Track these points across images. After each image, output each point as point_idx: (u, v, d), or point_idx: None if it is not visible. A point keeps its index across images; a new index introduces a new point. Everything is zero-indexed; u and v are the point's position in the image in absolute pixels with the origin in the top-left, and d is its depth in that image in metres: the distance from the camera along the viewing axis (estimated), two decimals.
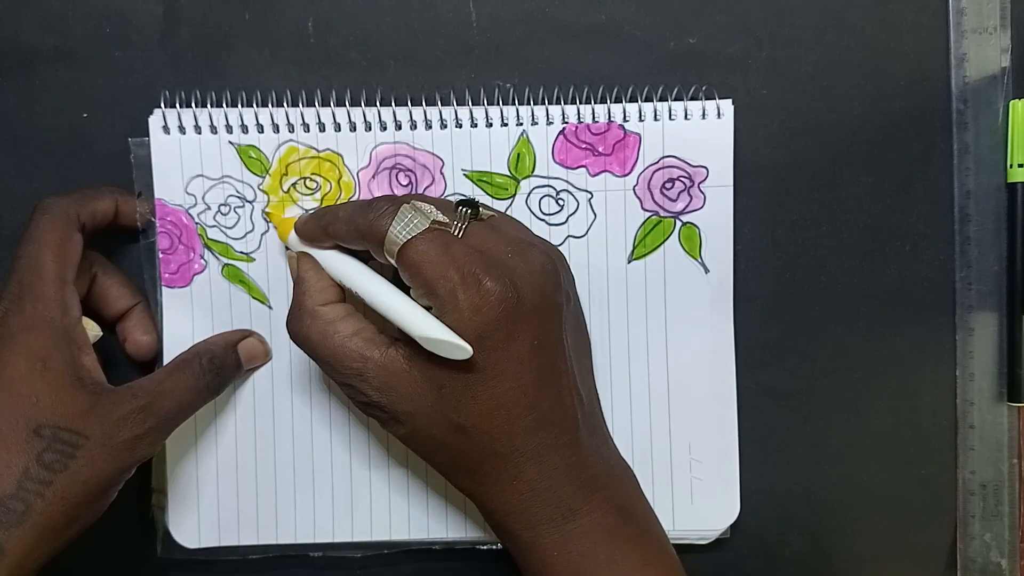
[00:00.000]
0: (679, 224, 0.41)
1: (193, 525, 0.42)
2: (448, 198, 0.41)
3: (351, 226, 0.35)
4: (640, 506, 0.38)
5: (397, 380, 0.34)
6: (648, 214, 0.41)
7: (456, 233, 0.34)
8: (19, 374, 0.34)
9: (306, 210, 0.40)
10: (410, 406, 0.34)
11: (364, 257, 0.37)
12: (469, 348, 0.32)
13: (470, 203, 0.35)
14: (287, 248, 0.39)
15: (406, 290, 0.35)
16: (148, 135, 0.40)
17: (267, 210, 0.41)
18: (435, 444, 0.35)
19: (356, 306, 0.37)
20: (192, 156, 0.40)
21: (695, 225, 0.41)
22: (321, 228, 0.37)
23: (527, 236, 0.37)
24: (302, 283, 0.37)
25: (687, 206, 0.41)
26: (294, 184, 0.41)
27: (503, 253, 0.34)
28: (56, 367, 0.35)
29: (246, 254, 0.41)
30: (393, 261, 0.34)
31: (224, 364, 0.39)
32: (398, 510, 0.42)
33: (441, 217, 0.34)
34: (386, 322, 0.35)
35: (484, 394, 0.34)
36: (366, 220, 0.35)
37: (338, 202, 0.41)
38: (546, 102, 0.41)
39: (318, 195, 0.41)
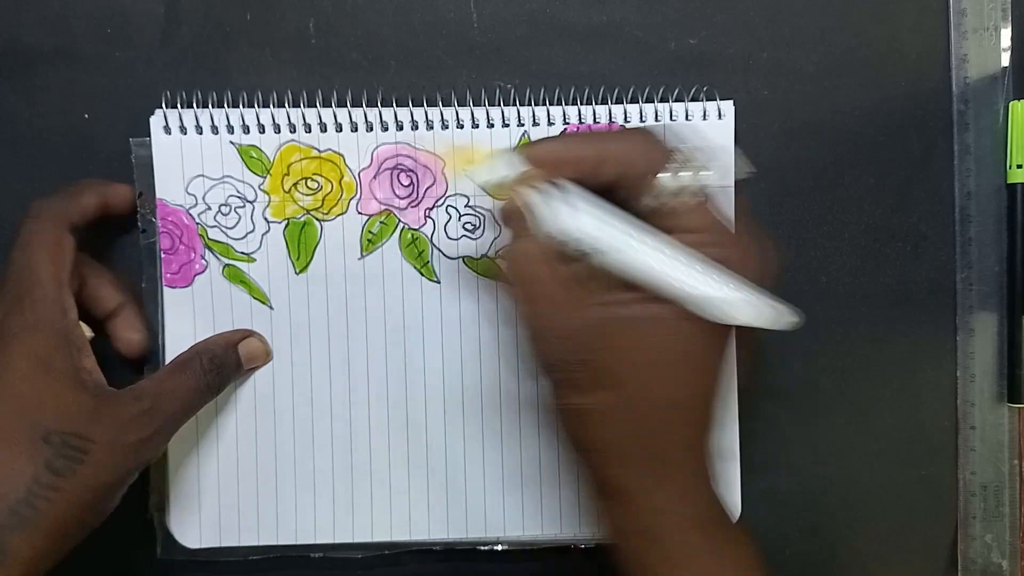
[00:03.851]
0: None
1: (194, 525, 0.42)
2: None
3: (623, 149, 0.32)
4: None
5: (656, 340, 0.31)
6: None
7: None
8: (22, 377, 0.34)
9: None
10: (644, 373, 0.31)
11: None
12: (795, 316, 0.30)
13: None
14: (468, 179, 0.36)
15: None
16: (149, 135, 0.40)
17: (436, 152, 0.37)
18: (639, 421, 0.32)
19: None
20: (193, 156, 0.40)
21: None
22: (557, 156, 0.33)
23: None
24: (529, 212, 0.32)
25: None
26: (295, 184, 0.41)
27: None
28: (58, 370, 0.35)
29: (247, 254, 0.41)
30: (669, 199, 0.31)
31: (224, 364, 0.39)
32: (399, 511, 0.42)
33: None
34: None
35: (726, 373, 0.32)
36: (656, 148, 0.32)
37: (340, 201, 0.41)
38: (547, 103, 0.41)
39: (319, 195, 0.41)
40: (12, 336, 0.35)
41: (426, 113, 0.40)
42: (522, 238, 0.32)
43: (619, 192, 0.32)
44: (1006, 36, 0.41)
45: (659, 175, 0.31)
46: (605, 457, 0.33)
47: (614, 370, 0.31)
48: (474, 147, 0.34)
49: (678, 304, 0.30)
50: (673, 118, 0.41)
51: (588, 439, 0.33)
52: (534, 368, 0.34)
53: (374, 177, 0.41)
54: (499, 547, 0.42)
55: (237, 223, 0.41)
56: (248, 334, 0.41)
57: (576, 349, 0.31)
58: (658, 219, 0.32)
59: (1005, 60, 0.41)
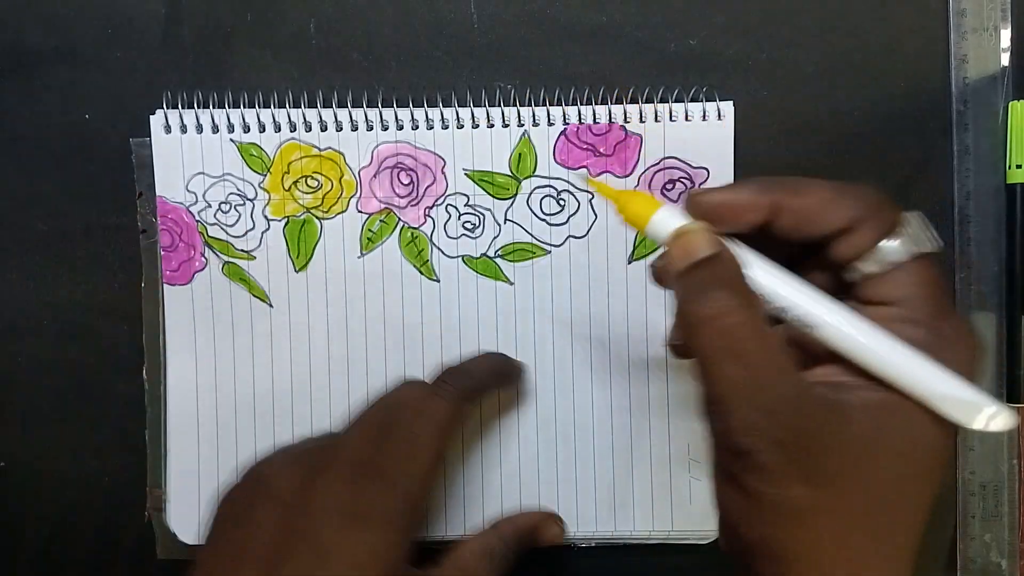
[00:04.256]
0: None
1: (192, 522, 0.42)
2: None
3: (804, 202, 0.28)
4: None
5: (884, 433, 0.27)
6: None
7: None
8: None
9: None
10: (861, 467, 0.26)
11: None
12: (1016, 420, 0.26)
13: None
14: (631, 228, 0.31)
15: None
16: (149, 135, 0.41)
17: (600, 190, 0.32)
18: (840, 522, 0.27)
19: None
20: (193, 154, 0.41)
21: None
22: (727, 205, 0.29)
23: None
24: (733, 267, 0.28)
25: None
26: (295, 182, 0.41)
27: None
28: None
29: (247, 252, 0.41)
30: (876, 267, 0.28)
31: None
32: None
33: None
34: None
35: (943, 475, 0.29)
36: (877, 206, 0.28)
37: (340, 199, 0.41)
38: (547, 103, 0.41)
39: (319, 193, 0.41)
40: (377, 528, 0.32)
41: (426, 113, 0.41)
42: (719, 293, 0.27)
43: (786, 249, 0.29)
44: (1006, 36, 0.41)
45: (886, 241, 0.28)
46: (783, 560, 0.27)
47: (823, 460, 0.26)
48: (634, 192, 0.30)
49: (910, 397, 0.27)
50: (673, 119, 0.41)
51: (766, 537, 0.27)
52: (712, 444, 0.28)
53: (374, 176, 0.41)
54: None
55: (237, 221, 0.41)
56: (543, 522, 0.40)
57: (780, 428, 0.26)
58: (845, 285, 0.29)
59: (1005, 60, 0.41)
